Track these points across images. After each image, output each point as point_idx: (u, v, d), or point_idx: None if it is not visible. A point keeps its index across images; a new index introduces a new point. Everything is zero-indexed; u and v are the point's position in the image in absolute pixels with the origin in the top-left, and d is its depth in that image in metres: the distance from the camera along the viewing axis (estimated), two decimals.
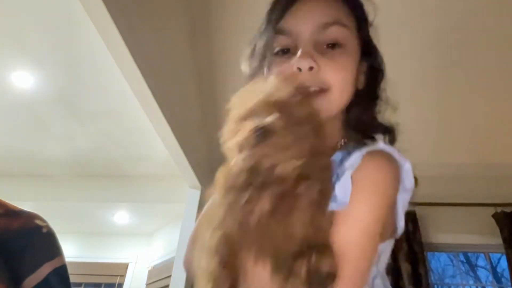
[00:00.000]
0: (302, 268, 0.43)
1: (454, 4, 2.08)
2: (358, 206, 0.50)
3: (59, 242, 0.73)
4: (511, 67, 2.38)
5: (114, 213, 4.01)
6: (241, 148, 0.45)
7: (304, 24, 0.61)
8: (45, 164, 3.60)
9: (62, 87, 2.74)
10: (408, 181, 0.59)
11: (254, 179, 0.44)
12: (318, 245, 0.45)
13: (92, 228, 4.36)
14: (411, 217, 2.87)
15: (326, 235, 0.47)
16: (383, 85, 0.70)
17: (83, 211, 3.99)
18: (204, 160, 2.75)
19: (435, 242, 2.95)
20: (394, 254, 2.72)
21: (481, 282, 3.44)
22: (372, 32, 0.71)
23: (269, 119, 0.44)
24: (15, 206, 0.73)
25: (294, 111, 0.47)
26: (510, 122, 2.77)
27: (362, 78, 0.67)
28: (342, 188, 0.51)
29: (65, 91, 2.78)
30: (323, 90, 0.59)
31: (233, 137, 0.46)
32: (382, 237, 0.55)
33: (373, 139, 0.66)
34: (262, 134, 0.43)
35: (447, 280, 3.50)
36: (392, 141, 0.68)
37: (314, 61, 0.58)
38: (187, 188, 2.81)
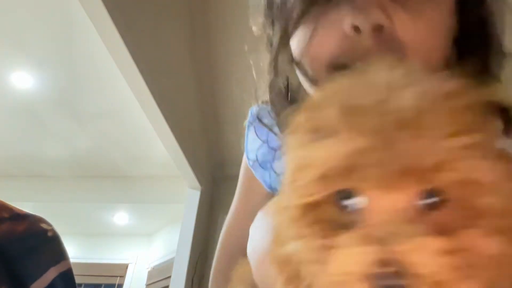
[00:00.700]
0: None
1: None
2: None
3: (64, 246, 0.73)
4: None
5: (113, 214, 4.01)
6: None
7: None
8: (45, 164, 3.60)
9: (61, 88, 2.74)
10: None
11: None
12: None
13: (92, 229, 4.35)
14: None
15: None
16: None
17: (82, 212, 3.99)
18: (204, 161, 2.75)
19: None
20: None
21: None
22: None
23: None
24: (20, 210, 0.73)
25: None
26: None
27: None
28: None
29: (65, 92, 2.78)
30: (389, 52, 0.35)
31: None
32: None
33: None
34: None
35: None
36: None
37: (386, 16, 0.33)
38: (187, 188, 2.81)
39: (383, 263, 0.19)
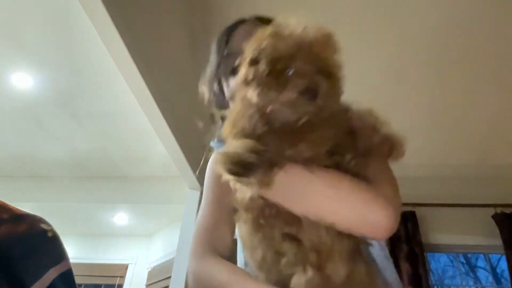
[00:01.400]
0: None
1: (454, 3, 2.08)
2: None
3: (64, 246, 0.73)
4: (510, 67, 2.38)
5: (113, 214, 4.01)
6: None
7: (244, 42, 0.69)
8: (45, 165, 3.60)
9: (61, 88, 2.74)
10: None
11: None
12: None
13: (92, 229, 4.35)
14: (411, 217, 2.87)
15: None
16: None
17: (82, 212, 3.99)
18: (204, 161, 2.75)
19: (435, 243, 2.95)
20: (394, 254, 2.72)
21: (481, 283, 3.44)
22: None
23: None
24: (20, 210, 0.72)
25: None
26: (510, 123, 2.77)
27: None
28: None
29: (65, 93, 2.78)
30: None
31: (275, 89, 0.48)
32: None
33: None
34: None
35: (447, 281, 3.50)
36: None
37: None
38: (187, 189, 2.81)
39: (310, 83, 0.50)
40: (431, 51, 2.33)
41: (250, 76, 0.51)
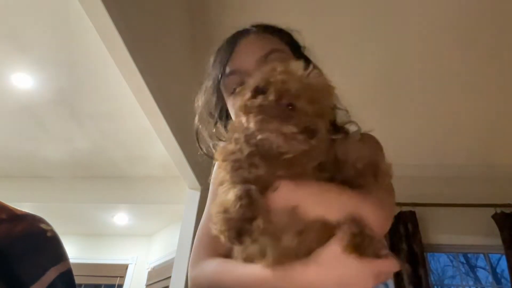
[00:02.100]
0: None
1: (453, 3, 2.09)
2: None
3: (63, 246, 0.72)
4: (511, 67, 2.38)
5: (113, 214, 4.01)
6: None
7: (247, 59, 0.73)
8: (45, 165, 3.60)
9: (61, 88, 2.74)
10: None
11: None
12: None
13: (92, 229, 4.36)
14: (411, 217, 2.87)
15: None
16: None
17: (82, 212, 3.99)
18: (204, 161, 2.75)
19: (435, 243, 2.95)
20: (394, 254, 2.72)
21: (480, 283, 3.44)
22: (307, 53, 0.82)
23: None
24: (19, 210, 0.72)
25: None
26: (510, 123, 2.77)
27: None
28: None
29: (65, 93, 2.78)
30: None
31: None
32: None
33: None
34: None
35: (447, 281, 3.50)
36: None
37: None
38: (187, 189, 2.81)
39: (311, 124, 0.51)
40: (431, 51, 2.33)
41: (255, 104, 0.54)
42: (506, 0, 2.03)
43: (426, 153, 2.91)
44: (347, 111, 0.79)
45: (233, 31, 0.83)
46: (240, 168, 0.54)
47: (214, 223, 0.51)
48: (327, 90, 0.56)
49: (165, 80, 2.05)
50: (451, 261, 3.39)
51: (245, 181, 0.52)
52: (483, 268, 3.43)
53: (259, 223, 0.49)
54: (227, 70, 0.75)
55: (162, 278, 3.59)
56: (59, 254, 0.70)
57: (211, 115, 0.84)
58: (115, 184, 3.70)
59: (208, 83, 0.83)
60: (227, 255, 0.65)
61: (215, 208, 0.52)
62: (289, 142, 0.51)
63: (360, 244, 0.49)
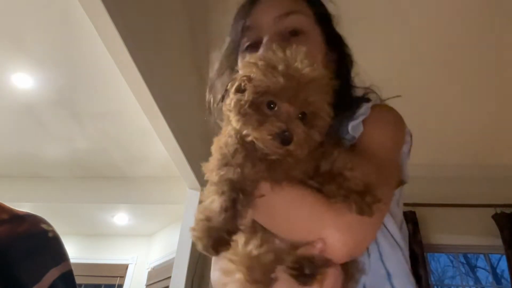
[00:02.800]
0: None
1: (453, 5, 2.09)
2: (374, 129, 0.62)
3: (64, 247, 0.72)
4: (511, 67, 2.38)
5: (113, 215, 4.01)
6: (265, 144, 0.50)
7: (265, 17, 0.69)
8: (45, 165, 3.60)
9: (61, 88, 2.74)
10: (407, 133, 0.72)
11: None
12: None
13: (92, 229, 4.35)
14: (411, 218, 2.87)
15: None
16: (354, 71, 0.78)
17: (82, 212, 3.99)
18: (204, 161, 2.74)
19: (435, 243, 2.95)
20: None
21: (481, 283, 3.44)
22: (335, 24, 0.77)
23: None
24: (20, 211, 0.72)
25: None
26: (510, 123, 2.77)
27: (332, 66, 0.72)
28: (356, 128, 0.63)
29: (65, 93, 2.78)
30: None
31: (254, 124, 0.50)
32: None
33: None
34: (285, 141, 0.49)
35: (447, 281, 3.50)
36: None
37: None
38: (187, 189, 2.81)
39: (285, 129, 0.48)
40: (432, 51, 2.33)
41: (232, 104, 0.52)
42: (506, 1, 2.03)
43: (426, 153, 2.90)
44: (367, 88, 0.77)
45: None
46: (226, 165, 0.52)
47: (193, 229, 0.50)
48: (317, 84, 0.51)
49: (165, 80, 2.05)
50: (451, 261, 3.39)
51: (232, 187, 0.50)
52: (483, 268, 3.43)
53: (237, 238, 0.49)
54: (243, 25, 0.72)
55: (162, 278, 3.59)
56: (60, 254, 0.70)
57: (231, 70, 0.77)
58: (115, 184, 3.70)
59: (227, 40, 0.78)
60: None
61: (199, 212, 0.51)
62: (267, 145, 0.49)
63: (304, 277, 0.48)
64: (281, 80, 0.49)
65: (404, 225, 0.71)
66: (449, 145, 2.98)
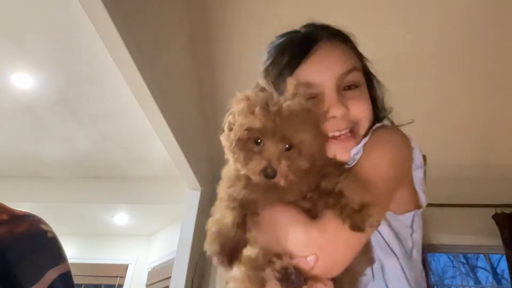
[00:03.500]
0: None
1: (453, 4, 2.09)
2: (370, 152, 0.65)
3: (63, 248, 0.72)
4: (511, 67, 2.38)
5: (114, 215, 4.01)
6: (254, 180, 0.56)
7: (326, 75, 0.70)
8: (45, 165, 3.59)
9: (61, 88, 2.74)
10: (417, 158, 0.75)
11: None
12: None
13: (92, 229, 4.35)
14: None
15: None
16: (386, 102, 0.83)
17: (83, 212, 3.99)
18: (204, 161, 2.75)
19: (435, 243, 2.95)
20: None
21: (481, 283, 3.44)
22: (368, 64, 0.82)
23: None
24: (20, 211, 0.72)
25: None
26: (510, 123, 2.77)
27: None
28: (357, 153, 0.67)
29: (65, 93, 2.78)
30: (353, 131, 0.71)
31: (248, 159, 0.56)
32: (400, 186, 0.69)
33: None
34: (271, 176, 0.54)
35: (447, 281, 3.50)
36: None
37: (346, 107, 0.69)
38: (187, 189, 2.81)
39: (268, 167, 0.53)
40: (432, 52, 2.33)
41: (223, 142, 0.59)
42: (505, 2, 2.03)
43: (426, 153, 2.90)
44: (385, 109, 0.81)
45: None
46: (232, 186, 0.59)
47: (209, 243, 0.56)
48: (298, 118, 0.55)
49: (165, 80, 2.05)
50: (451, 261, 3.39)
51: (241, 204, 0.56)
52: (484, 269, 3.43)
53: (247, 251, 0.55)
54: (302, 79, 0.69)
55: (162, 278, 3.59)
56: (59, 255, 0.70)
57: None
58: (115, 184, 3.70)
59: (268, 77, 0.74)
60: None
61: (212, 225, 0.57)
62: (255, 179, 0.55)
63: (289, 284, 0.51)
64: (259, 121, 0.54)
65: (414, 251, 0.73)
66: (449, 145, 2.97)
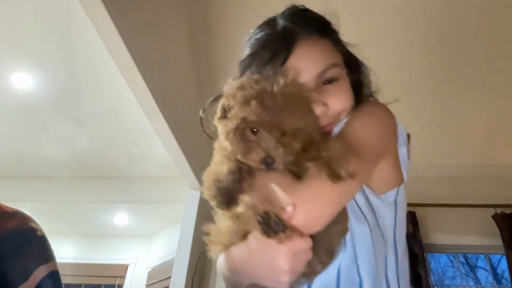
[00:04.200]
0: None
1: (453, 3, 2.09)
2: (355, 121, 0.69)
3: (52, 247, 0.72)
4: (511, 68, 2.38)
5: (113, 215, 4.01)
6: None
7: (306, 73, 0.71)
8: (45, 165, 3.60)
9: (61, 88, 2.74)
10: (401, 135, 0.75)
11: None
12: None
13: (92, 230, 4.35)
14: (411, 218, 2.87)
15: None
16: (371, 83, 0.85)
17: (82, 212, 3.99)
18: (204, 161, 2.75)
19: (435, 243, 2.95)
20: None
21: (481, 283, 3.44)
22: (350, 47, 0.81)
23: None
24: (9, 207, 0.72)
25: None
26: (510, 123, 2.77)
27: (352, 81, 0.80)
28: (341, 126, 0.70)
29: (65, 93, 2.78)
30: (334, 123, 0.72)
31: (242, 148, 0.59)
32: (385, 158, 0.70)
33: None
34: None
35: (447, 281, 3.50)
36: None
37: (326, 104, 0.70)
38: (187, 189, 2.81)
39: (266, 157, 0.56)
40: (433, 51, 2.33)
41: (220, 131, 0.62)
42: (505, 6, 2.03)
43: (426, 153, 2.91)
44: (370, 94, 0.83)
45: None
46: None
47: (206, 189, 0.62)
48: (291, 106, 0.58)
49: (165, 80, 2.05)
50: (451, 262, 3.39)
51: (237, 161, 0.60)
52: (484, 269, 3.43)
53: (244, 197, 0.59)
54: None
55: (162, 278, 3.59)
56: (48, 253, 0.70)
57: None
58: (115, 184, 3.70)
59: (251, 68, 0.76)
60: None
61: (207, 176, 0.62)
62: (255, 167, 0.59)
63: (269, 229, 0.54)
64: (255, 115, 0.57)
65: (402, 225, 0.74)
66: (449, 145, 2.98)
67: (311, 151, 0.60)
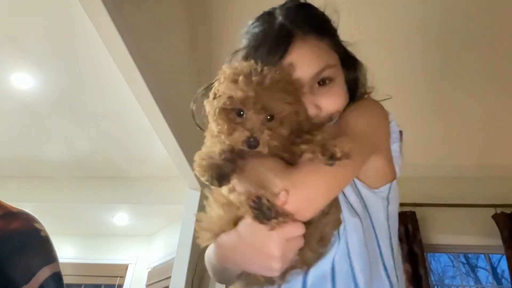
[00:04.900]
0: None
1: (453, 3, 2.09)
2: (348, 115, 0.70)
3: (55, 249, 0.72)
4: (511, 68, 2.38)
5: (113, 215, 4.01)
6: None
7: (301, 74, 0.70)
8: (45, 165, 3.60)
9: (61, 88, 2.74)
10: (394, 132, 0.76)
11: None
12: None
13: (92, 230, 4.35)
14: (411, 218, 2.87)
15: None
16: (367, 82, 0.84)
17: (82, 212, 3.98)
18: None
19: (435, 243, 2.95)
20: None
21: (481, 283, 3.44)
22: (348, 46, 0.80)
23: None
24: (14, 207, 0.72)
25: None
26: (510, 123, 2.77)
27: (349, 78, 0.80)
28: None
29: (65, 93, 2.78)
30: (326, 122, 0.72)
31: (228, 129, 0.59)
32: (378, 152, 0.71)
33: None
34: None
35: (447, 281, 3.50)
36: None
37: (319, 106, 0.70)
38: (187, 189, 2.81)
39: (249, 137, 0.56)
40: (431, 51, 2.33)
41: (207, 110, 0.62)
42: (505, 6, 2.03)
43: (426, 153, 2.91)
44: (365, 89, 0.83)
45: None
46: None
47: (198, 165, 0.60)
48: (277, 89, 0.58)
49: (165, 80, 2.05)
50: (452, 261, 3.39)
51: (228, 144, 0.60)
52: (484, 268, 3.44)
53: (235, 176, 0.59)
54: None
55: (162, 278, 3.59)
56: (52, 254, 0.70)
57: None
58: (115, 184, 3.70)
59: (243, 47, 0.78)
60: None
61: (199, 154, 0.61)
62: (239, 148, 0.58)
63: (261, 214, 0.53)
64: (241, 92, 0.56)
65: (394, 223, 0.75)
66: (449, 145, 2.98)
67: (304, 136, 0.59)
